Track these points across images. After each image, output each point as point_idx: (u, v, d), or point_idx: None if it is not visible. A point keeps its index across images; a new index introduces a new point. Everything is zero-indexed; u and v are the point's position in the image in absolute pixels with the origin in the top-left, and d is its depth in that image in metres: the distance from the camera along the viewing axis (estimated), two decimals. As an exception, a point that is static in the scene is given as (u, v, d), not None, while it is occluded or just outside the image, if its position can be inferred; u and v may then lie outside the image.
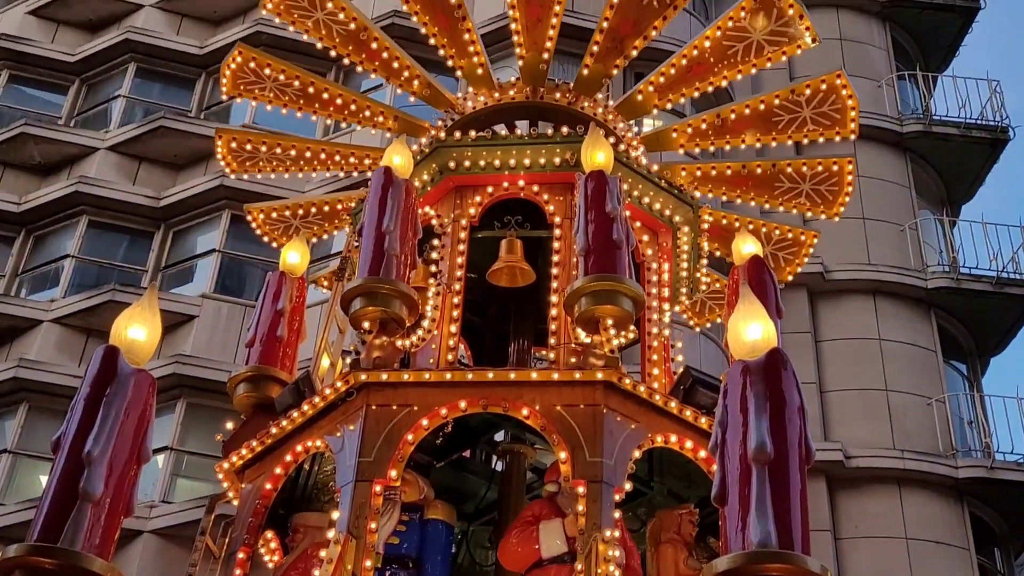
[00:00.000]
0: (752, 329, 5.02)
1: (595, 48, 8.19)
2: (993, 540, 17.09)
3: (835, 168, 8.62)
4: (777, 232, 8.97)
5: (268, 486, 7.50)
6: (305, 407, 7.26)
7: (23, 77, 22.79)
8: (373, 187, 6.95)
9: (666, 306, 8.13)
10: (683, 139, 8.62)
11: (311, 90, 8.72)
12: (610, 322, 6.63)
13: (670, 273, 8.24)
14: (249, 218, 9.45)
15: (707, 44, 8.12)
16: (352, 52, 8.60)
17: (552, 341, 7.35)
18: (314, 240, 9.37)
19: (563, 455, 6.62)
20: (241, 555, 7.35)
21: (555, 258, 7.50)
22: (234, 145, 9.07)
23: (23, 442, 17.46)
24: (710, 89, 8.48)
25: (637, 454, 6.88)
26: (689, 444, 7.17)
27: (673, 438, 7.07)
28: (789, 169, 8.61)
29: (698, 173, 8.75)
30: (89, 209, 20.20)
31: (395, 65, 8.57)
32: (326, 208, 9.20)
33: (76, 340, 18.48)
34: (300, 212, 9.27)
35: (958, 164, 20.82)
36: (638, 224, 7.91)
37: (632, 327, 7.05)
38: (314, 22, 8.49)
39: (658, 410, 6.97)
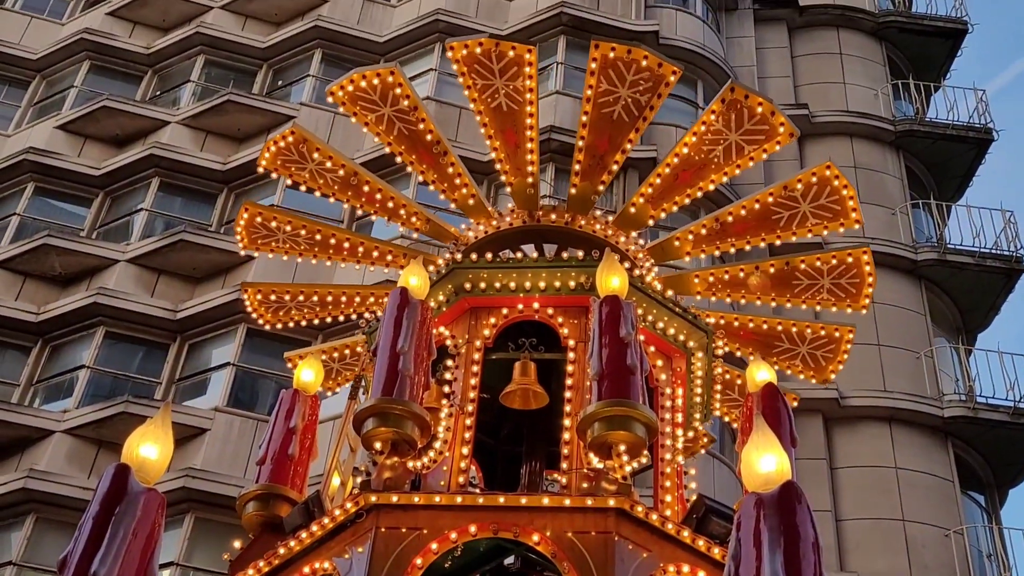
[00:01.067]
0: (766, 461, 4.98)
1: (578, 167, 8.34)
2: None
3: (850, 260, 8.59)
4: (809, 331, 8.88)
5: (273, 606, 7.41)
6: (314, 527, 7.19)
7: (49, 189, 23.18)
8: (389, 307, 7.00)
9: (679, 432, 8.09)
10: (687, 247, 8.66)
11: (318, 237, 8.92)
12: (623, 448, 6.60)
13: (684, 398, 8.20)
14: (290, 365, 9.54)
15: (686, 151, 8.21)
16: (350, 197, 8.81)
17: (564, 465, 7.30)
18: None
19: (573, 584, 6.54)
20: None
21: (569, 381, 7.49)
22: (260, 297, 9.27)
23: (29, 554, 17.28)
24: (700, 195, 8.55)
25: (648, 583, 6.79)
26: (702, 575, 7.06)
27: (685, 568, 6.95)
28: (803, 265, 8.60)
29: (711, 279, 8.77)
30: (106, 320, 20.34)
31: (390, 205, 8.74)
32: (359, 349, 9.28)
33: (87, 452, 18.43)
34: (336, 355, 9.39)
35: (973, 293, 20.86)
36: (652, 349, 7.91)
37: (645, 452, 7.01)
38: (308, 172, 8.75)
39: (670, 539, 6.87)
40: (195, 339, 20.30)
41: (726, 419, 9.66)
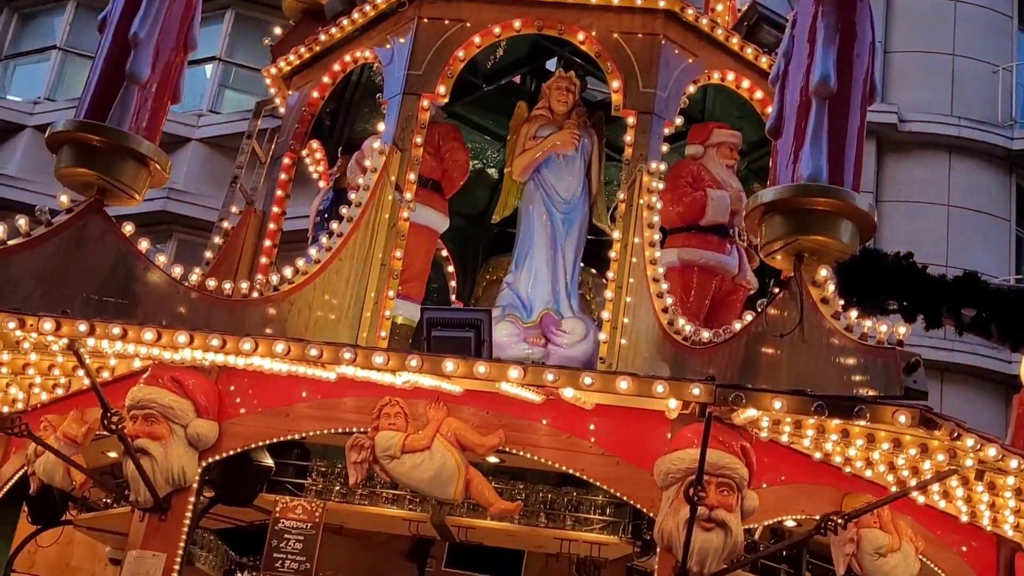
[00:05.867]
0: (831, -40, 4.71)
1: None
2: (1035, 215, 16.99)
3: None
4: None
5: (315, 94, 7.46)
6: (355, 15, 7.09)
7: None
8: None
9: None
10: None
11: None
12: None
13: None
14: None
15: None
16: None
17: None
18: None
19: (616, 84, 6.49)
20: (286, 160, 7.43)
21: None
22: None
23: (72, 40, 17.34)
24: None
25: (692, 89, 6.74)
26: (746, 83, 6.99)
27: (731, 76, 6.89)
28: None
29: None
30: None
31: None
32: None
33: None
34: None
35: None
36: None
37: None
38: None
39: (718, 45, 6.76)
40: None
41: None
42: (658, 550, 4.86)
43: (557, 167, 6.91)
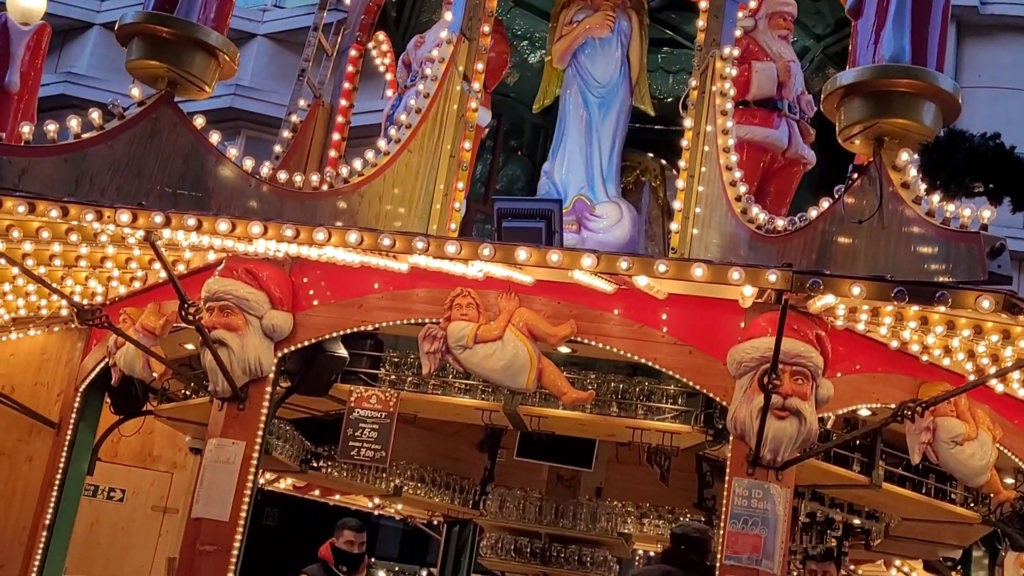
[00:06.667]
0: None
1: None
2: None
3: None
4: None
5: (379, -15, 7.38)
6: (421, -99, 6.99)
7: None
8: None
9: None
10: None
11: None
12: None
13: None
14: None
15: None
16: None
17: None
18: None
19: (688, -34, 6.33)
20: (353, 52, 7.37)
21: None
22: None
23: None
24: None
25: (763, -28, 6.56)
26: (824, -36, 6.81)
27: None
28: None
29: None
30: None
31: None
32: None
33: None
34: None
35: None
36: None
37: None
38: None
39: None
40: None
41: None
42: (731, 439, 4.85)
43: (593, 51, 6.82)
